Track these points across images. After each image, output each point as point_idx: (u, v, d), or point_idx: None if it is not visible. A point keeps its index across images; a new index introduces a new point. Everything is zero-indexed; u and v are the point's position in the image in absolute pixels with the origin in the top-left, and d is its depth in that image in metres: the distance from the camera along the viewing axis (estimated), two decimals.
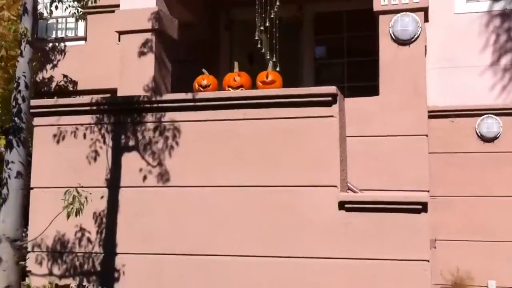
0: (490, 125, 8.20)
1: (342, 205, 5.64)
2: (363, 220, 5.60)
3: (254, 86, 6.27)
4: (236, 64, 6.56)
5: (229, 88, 6.19)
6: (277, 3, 7.32)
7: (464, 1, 8.76)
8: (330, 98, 5.76)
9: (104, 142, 6.22)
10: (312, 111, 5.79)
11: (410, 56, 7.46)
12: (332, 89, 5.75)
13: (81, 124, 6.33)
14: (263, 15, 7.07)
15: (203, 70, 6.60)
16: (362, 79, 9.14)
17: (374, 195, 5.72)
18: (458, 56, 8.53)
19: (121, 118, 6.22)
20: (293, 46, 9.81)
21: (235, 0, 9.64)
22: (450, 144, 8.30)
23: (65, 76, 10.03)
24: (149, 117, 6.14)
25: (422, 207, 5.50)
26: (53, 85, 10.05)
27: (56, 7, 6.10)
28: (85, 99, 6.87)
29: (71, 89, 9.96)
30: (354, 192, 6.40)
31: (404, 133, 7.25)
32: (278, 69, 6.61)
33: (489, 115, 8.20)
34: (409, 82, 7.40)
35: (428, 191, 7.02)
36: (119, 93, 7.79)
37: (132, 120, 6.20)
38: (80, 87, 9.94)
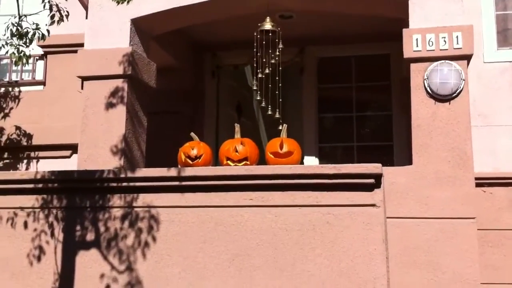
0: None
1: None
2: None
3: (262, 158, 5.10)
4: (237, 127, 5.15)
5: (229, 162, 4.98)
6: (280, 46, 6.31)
7: (494, 49, 7.90)
8: (372, 180, 4.39)
9: (53, 234, 5.05)
10: (346, 197, 4.40)
11: (451, 115, 6.26)
12: (376, 167, 4.35)
13: (21, 208, 5.20)
14: (262, 59, 6.19)
15: (192, 134, 5.25)
16: (375, 137, 8.19)
17: None
18: (489, 113, 7.38)
19: (77, 201, 5.12)
20: (291, 98, 8.67)
21: (222, 41, 8.59)
22: (481, 219, 6.98)
23: (17, 128, 8.76)
24: (116, 200, 5.05)
25: None
26: (4, 138, 8.77)
27: None
28: (28, 173, 5.76)
29: (25, 143, 8.73)
30: None
31: (446, 216, 5.91)
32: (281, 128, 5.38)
33: None
34: (451, 148, 6.12)
35: None
36: (79, 155, 6.54)
37: (92, 204, 5.07)
38: (35, 141, 8.70)
